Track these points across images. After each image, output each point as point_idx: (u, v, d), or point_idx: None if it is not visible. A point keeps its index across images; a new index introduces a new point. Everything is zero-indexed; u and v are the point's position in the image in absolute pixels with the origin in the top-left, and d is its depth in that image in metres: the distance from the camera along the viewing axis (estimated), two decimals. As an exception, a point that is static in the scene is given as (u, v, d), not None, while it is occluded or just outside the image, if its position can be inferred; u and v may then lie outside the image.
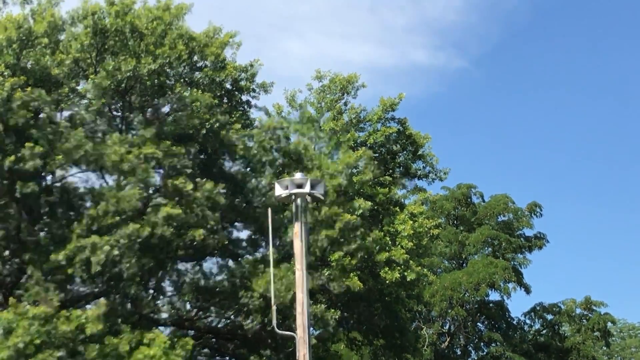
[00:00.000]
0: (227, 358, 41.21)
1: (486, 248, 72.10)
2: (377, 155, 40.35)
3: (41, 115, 34.83)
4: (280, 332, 30.21)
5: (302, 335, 25.47)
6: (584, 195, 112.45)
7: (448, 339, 72.22)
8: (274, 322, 27.88)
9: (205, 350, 40.18)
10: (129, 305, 34.70)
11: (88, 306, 35.10)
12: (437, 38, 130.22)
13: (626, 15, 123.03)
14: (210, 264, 39.30)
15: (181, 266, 38.16)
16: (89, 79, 35.70)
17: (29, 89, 33.74)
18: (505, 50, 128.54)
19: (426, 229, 38.04)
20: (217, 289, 36.94)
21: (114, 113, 37.91)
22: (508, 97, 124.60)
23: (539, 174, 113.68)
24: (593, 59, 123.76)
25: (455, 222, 74.31)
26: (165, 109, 38.06)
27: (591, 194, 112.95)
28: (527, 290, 72.72)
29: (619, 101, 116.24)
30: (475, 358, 73.92)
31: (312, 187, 26.27)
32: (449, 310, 68.49)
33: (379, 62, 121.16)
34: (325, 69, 42.13)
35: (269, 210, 31.05)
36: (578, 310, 78.28)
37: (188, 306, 38.41)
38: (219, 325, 39.28)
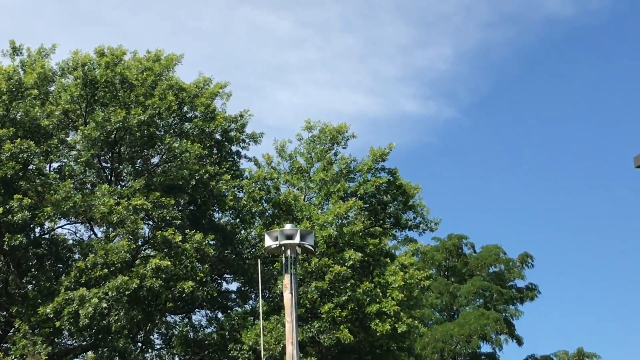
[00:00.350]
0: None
1: (477, 299, 71.70)
2: (367, 205, 40.20)
3: (30, 167, 34.71)
4: (270, 385, 29.89)
5: (292, 389, 25.16)
6: (576, 246, 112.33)
7: (440, 391, 71.58)
8: (264, 375, 27.59)
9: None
10: (117, 359, 34.31)
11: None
12: (427, 88, 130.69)
13: (617, 66, 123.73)
14: (199, 316, 39.09)
15: (170, 319, 37.90)
16: (79, 130, 35.63)
17: (18, 140, 33.64)
18: (495, 100, 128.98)
19: (417, 280, 37.78)
20: (206, 342, 36.60)
21: (103, 164, 37.82)
22: (498, 146, 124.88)
23: (530, 224, 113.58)
24: (583, 110, 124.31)
25: (446, 273, 73.99)
26: (155, 159, 38.01)
27: (583, 244, 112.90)
28: (519, 342, 72.21)
29: (611, 151, 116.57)
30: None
31: (302, 238, 26.12)
32: (441, 362, 67.95)
33: (369, 112, 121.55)
34: (315, 118, 42.19)
35: (259, 261, 30.93)
36: (570, 362, 77.67)
37: (177, 359, 38.01)
38: (209, 379, 38.86)
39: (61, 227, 36.53)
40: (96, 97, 36.64)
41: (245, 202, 38.04)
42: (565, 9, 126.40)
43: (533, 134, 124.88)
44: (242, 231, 38.84)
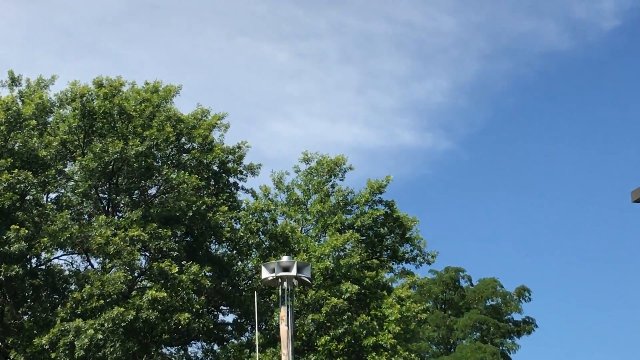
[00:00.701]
0: None
1: (474, 333, 71.51)
2: (364, 238, 40.21)
3: (27, 197, 34.71)
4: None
5: (287, 422, 25.05)
6: (574, 280, 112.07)
7: None
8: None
9: None
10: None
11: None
12: (424, 120, 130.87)
13: (615, 100, 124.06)
14: (195, 349, 38.93)
15: (166, 350, 37.74)
16: (76, 161, 35.67)
17: (15, 170, 33.65)
18: (493, 133, 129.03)
19: (414, 313, 37.72)
20: (203, 374, 36.47)
21: (101, 195, 37.82)
22: (495, 179, 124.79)
23: (528, 257, 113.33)
24: (581, 143, 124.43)
25: (443, 306, 73.85)
26: (152, 191, 38.03)
27: (581, 278, 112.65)
28: (516, 375, 71.99)
29: (609, 184, 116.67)
30: None
31: (299, 270, 26.10)
32: (438, 396, 67.65)
33: (366, 143, 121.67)
34: (313, 149, 42.23)
35: (255, 293, 30.83)
36: (567, 396, 77.42)
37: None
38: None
39: (58, 257, 36.48)
40: (94, 128, 36.70)
41: (242, 234, 38.02)
42: (562, 42, 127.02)
43: (530, 167, 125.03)
44: (239, 263, 38.80)
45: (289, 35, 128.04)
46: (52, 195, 36.82)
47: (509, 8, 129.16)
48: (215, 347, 38.59)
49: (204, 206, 36.07)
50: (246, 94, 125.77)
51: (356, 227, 39.66)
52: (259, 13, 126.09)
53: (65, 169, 36.85)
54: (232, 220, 38.11)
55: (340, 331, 35.69)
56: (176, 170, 36.73)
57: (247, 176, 40.46)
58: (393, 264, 42.47)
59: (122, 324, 32.16)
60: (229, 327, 39.33)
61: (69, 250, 35.96)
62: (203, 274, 34.65)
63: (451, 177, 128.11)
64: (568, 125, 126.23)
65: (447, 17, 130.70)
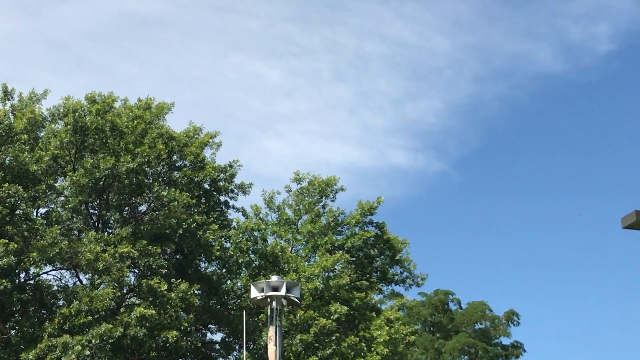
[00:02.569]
0: None
1: (463, 356, 71.49)
2: (354, 259, 40.23)
3: (17, 212, 34.61)
4: None
5: None
6: (563, 305, 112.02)
7: None
8: None
9: None
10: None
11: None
12: (417, 140, 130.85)
13: (608, 124, 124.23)
14: (182, 367, 38.73)
15: (153, 368, 37.55)
16: (67, 176, 35.60)
17: (6, 184, 33.58)
18: (485, 155, 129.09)
19: (402, 335, 37.72)
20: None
21: (91, 211, 37.74)
22: (487, 201, 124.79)
23: (517, 281, 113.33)
24: (573, 167, 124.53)
25: (431, 328, 73.84)
26: (143, 208, 37.97)
27: (570, 303, 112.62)
28: (504, 400, 71.93)
29: (600, 210, 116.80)
30: None
31: (288, 290, 26.07)
32: (425, 419, 67.53)
33: (358, 163, 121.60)
34: (304, 168, 42.42)
35: (244, 312, 30.80)
36: (555, 422, 77.34)
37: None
38: None
39: (46, 272, 36.34)
40: (86, 144, 36.66)
41: (232, 253, 37.96)
42: (556, 65, 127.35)
43: (522, 190, 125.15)
44: (228, 281, 38.73)
45: (282, 53, 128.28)
46: (42, 210, 36.75)
47: (504, 30, 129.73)
48: (203, 365, 38.45)
49: (194, 224, 36.03)
50: (238, 111, 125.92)
51: (346, 248, 39.66)
52: (252, 30, 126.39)
53: (56, 184, 36.77)
54: (222, 238, 38.05)
55: (328, 352, 35.61)
56: (167, 188, 36.69)
57: (238, 195, 40.45)
58: (382, 285, 42.49)
59: (110, 341, 32.04)
60: (217, 346, 39.19)
61: (58, 266, 35.85)
62: (192, 292, 34.57)
63: (442, 198, 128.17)
64: (561, 149, 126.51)
65: (442, 38, 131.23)
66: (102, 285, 34.11)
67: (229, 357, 38.72)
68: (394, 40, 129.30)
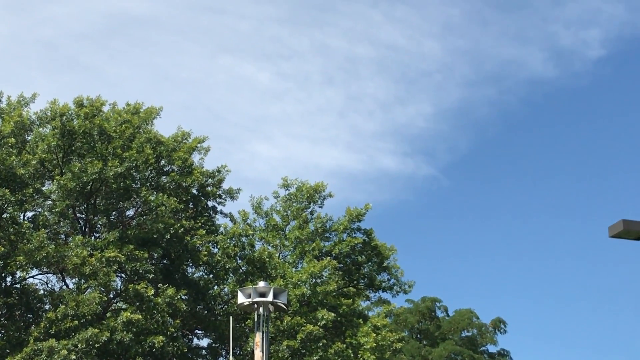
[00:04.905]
0: None
1: (449, 363, 71.45)
2: (341, 265, 40.23)
3: (4, 215, 34.50)
4: None
5: None
6: (550, 313, 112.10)
7: None
8: None
9: None
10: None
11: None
12: (406, 145, 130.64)
13: (598, 130, 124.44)
14: (169, 372, 38.66)
15: (139, 373, 37.46)
16: (54, 180, 35.53)
17: (-8, 188, 33.48)
18: (475, 160, 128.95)
19: (389, 342, 37.70)
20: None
21: (78, 215, 37.65)
22: (476, 207, 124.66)
23: (504, 289, 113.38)
24: (562, 173, 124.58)
25: (418, 336, 73.80)
26: (130, 212, 37.90)
27: (557, 311, 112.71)
28: (490, 407, 71.95)
29: (587, 218, 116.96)
30: None
31: (275, 296, 26.05)
32: None
33: (347, 167, 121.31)
34: (292, 171, 42.63)
35: (231, 318, 30.72)
36: None
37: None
38: None
39: (33, 277, 36.27)
40: (73, 148, 36.59)
41: (219, 258, 37.92)
42: (547, 70, 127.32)
43: (511, 196, 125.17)
44: (215, 287, 38.68)
45: (272, 55, 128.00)
46: (29, 214, 36.65)
47: (494, 35, 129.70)
48: (189, 371, 38.38)
49: (181, 229, 36.00)
50: (227, 113, 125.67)
51: (334, 255, 39.66)
52: (242, 32, 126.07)
53: (43, 188, 36.68)
54: (210, 244, 38.01)
55: (315, 358, 35.58)
56: (155, 193, 36.63)
57: (226, 200, 40.46)
58: (370, 292, 42.47)
59: (96, 345, 31.96)
60: (204, 352, 39.15)
61: (45, 270, 35.76)
62: (179, 297, 34.52)
63: (431, 203, 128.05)
64: (550, 154, 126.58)
65: (432, 42, 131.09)
66: (88, 290, 34.04)
67: (216, 362, 38.67)
68: (384, 43, 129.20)
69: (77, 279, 34.96)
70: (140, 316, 32.91)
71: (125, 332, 32.58)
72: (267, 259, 38.45)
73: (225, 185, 40.13)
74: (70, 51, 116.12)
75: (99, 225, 37.44)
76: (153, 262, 36.27)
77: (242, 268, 39.03)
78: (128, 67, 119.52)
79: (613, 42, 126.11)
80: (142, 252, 34.40)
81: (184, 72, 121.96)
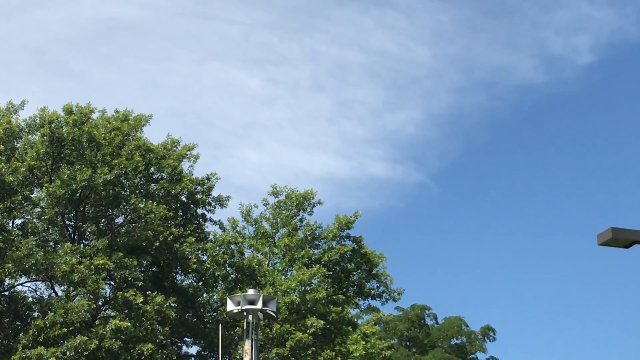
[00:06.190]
0: None
1: (439, 371, 71.45)
2: (331, 273, 40.23)
3: (-8, 223, 34.43)
4: None
5: None
6: (539, 321, 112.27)
7: None
8: None
9: None
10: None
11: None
12: (396, 151, 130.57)
13: (588, 136, 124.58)
14: (158, 380, 38.56)
15: (128, 381, 37.37)
16: (43, 188, 35.48)
17: (-19, 195, 33.42)
18: (465, 167, 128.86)
19: (378, 349, 37.69)
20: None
21: (67, 222, 37.60)
22: (466, 214, 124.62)
23: (493, 296, 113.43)
24: (552, 180, 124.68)
25: (408, 343, 73.77)
26: (119, 219, 37.85)
27: (546, 319, 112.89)
28: (479, 415, 71.98)
29: (577, 222, 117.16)
30: None
31: (265, 303, 26.06)
32: None
33: (336, 173, 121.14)
34: (282, 178, 42.75)
35: (220, 326, 30.73)
36: None
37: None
38: None
39: (21, 284, 36.17)
40: (62, 155, 36.55)
41: (208, 266, 37.88)
42: (537, 76, 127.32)
43: (501, 203, 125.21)
44: (204, 294, 38.64)
45: (261, 61, 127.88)
46: (18, 221, 36.57)
47: (484, 41, 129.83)
48: (178, 379, 38.33)
49: (171, 237, 35.98)
50: (216, 119, 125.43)
51: (323, 262, 39.65)
52: (231, 38, 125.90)
53: (32, 195, 36.62)
54: (199, 251, 38.00)
55: (304, 366, 35.57)
56: (144, 200, 36.60)
57: (215, 208, 40.47)
58: (359, 299, 42.48)
59: (85, 353, 31.91)
60: (193, 359, 39.08)
61: (33, 277, 35.69)
62: (168, 304, 34.50)
63: (421, 210, 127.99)
64: (540, 161, 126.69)
65: (422, 48, 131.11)
66: (77, 297, 33.98)
67: (205, 370, 38.62)
68: (374, 49, 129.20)
69: (65, 287, 34.89)
70: (129, 324, 32.85)
71: (114, 340, 32.51)
72: (257, 267, 38.43)
73: (214, 192, 40.16)
74: (59, 57, 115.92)
75: (88, 233, 37.38)
76: (142, 269, 36.21)
77: (232, 275, 39.01)
78: (117, 73, 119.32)
79: (603, 48, 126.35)
80: (131, 259, 34.36)
81: (173, 78, 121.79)
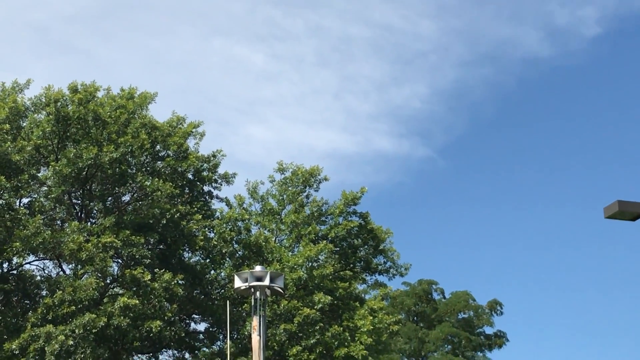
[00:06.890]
0: None
1: (446, 346, 71.75)
2: (338, 249, 40.27)
3: (0, 202, 34.49)
4: None
5: None
6: (546, 295, 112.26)
7: None
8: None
9: None
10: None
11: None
12: (402, 126, 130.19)
13: (595, 109, 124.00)
14: (166, 356, 38.77)
15: (137, 358, 37.60)
16: (50, 166, 35.51)
17: (-12, 175, 33.47)
18: (471, 141, 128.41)
19: (386, 324, 37.80)
20: (173, 382, 36.36)
21: (74, 201, 37.65)
22: (472, 188, 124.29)
23: (501, 270, 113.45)
24: (559, 153, 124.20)
25: (415, 318, 74.05)
26: (126, 197, 37.89)
27: (553, 293, 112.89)
28: (487, 389, 72.24)
29: (583, 198, 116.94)
30: None
31: (272, 280, 26.10)
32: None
33: (342, 149, 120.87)
34: (287, 154, 42.73)
35: (228, 302, 30.80)
36: (537, 411, 77.70)
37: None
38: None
39: (29, 263, 36.28)
40: (68, 134, 36.56)
41: (215, 243, 37.93)
42: (543, 49, 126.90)
43: (507, 177, 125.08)
44: (212, 272, 38.72)
45: (266, 37, 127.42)
46: (25, 200, 36.66)
47: (490, 14, 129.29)
48: (187, 355, 38.48)
49: (177, 214, 36.01)
50: (221, 95, 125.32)
51: (330, 238, 39.69)
52: (235, 13, 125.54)
53: (39, 174, 36.68)
54: (206, 228, 38.04)
55: (312, 342, 35.67)
56: (150, 178, 36.62)
57: (221, 185, 40.43)
58: (366, 275, 42.55)
59: (93, 331, 32.03)
60: (201, 336, 39.22)
61: (41, 256, 35.78)
62: (175, 282, 34.56)
63: (427, 185, 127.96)
64: (547, 134, 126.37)
65: (427, 22, 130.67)
66: (85, 275, 34.07)
67: (213, 346, 38.74)
68: (379, 23, 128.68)
69: (73, 265, 35.00)
70: (137, 301, 32.95)
71: (122, 318, 32.63)
72: (264, 243, 38.49)
73: (220, 169, 40.14)
74: (62, 34, 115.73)
75: (94, 211, 37.44)
76: (149, 247, 36.30)
77: (239, 252, 39.07)
78: (121, 49, 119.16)
79: (609, 20, 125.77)
80: (138, 237, 34.42)
81: (177, 55, 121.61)
